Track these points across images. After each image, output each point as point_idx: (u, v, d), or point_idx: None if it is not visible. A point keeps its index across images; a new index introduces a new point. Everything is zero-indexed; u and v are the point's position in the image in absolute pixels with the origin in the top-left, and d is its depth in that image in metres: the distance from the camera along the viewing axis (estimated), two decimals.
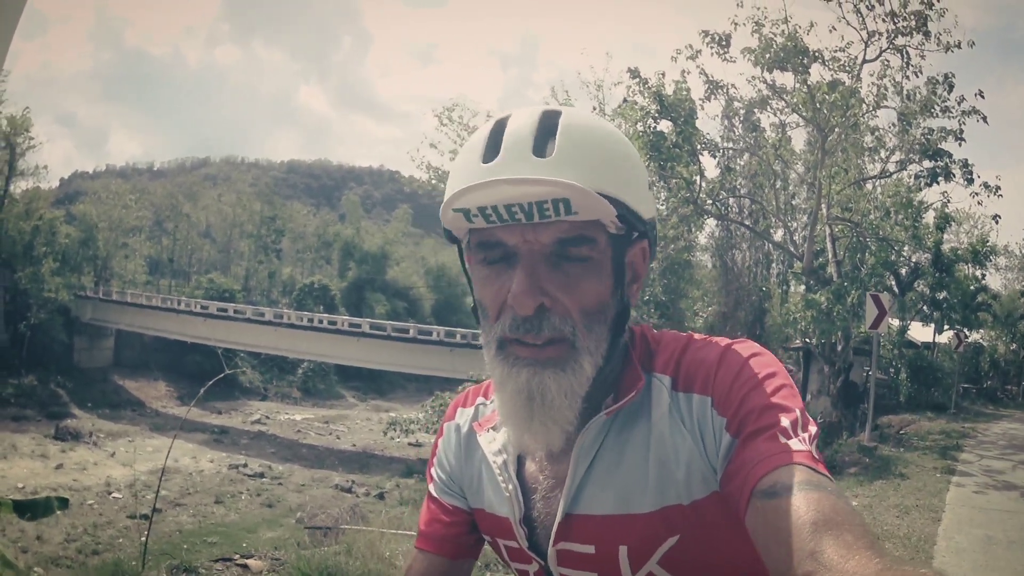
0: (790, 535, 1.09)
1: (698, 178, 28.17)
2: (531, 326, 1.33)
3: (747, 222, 32.44)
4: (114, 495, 31.39)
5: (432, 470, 1.79)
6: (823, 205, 24.41)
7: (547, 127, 1.33)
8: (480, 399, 1.72)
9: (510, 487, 1.55)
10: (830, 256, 25.14)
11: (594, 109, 35.21)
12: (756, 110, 27.90)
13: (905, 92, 23.13)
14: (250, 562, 13.94)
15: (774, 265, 39.00)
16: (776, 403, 1.30)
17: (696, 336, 1.50)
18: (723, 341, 1.46)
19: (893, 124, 24.29)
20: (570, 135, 1.32)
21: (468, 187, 1.27)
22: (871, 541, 1.04)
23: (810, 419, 1.30)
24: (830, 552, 1.02)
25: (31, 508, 5.27)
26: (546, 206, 1.26)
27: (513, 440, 1.47)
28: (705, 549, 1.40)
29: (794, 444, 1.23)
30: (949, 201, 26.41)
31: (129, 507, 28.22)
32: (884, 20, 22.96)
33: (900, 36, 22.80)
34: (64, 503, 5.63)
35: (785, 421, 1.26)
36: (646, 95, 28.02)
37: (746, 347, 1.43)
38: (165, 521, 27.52)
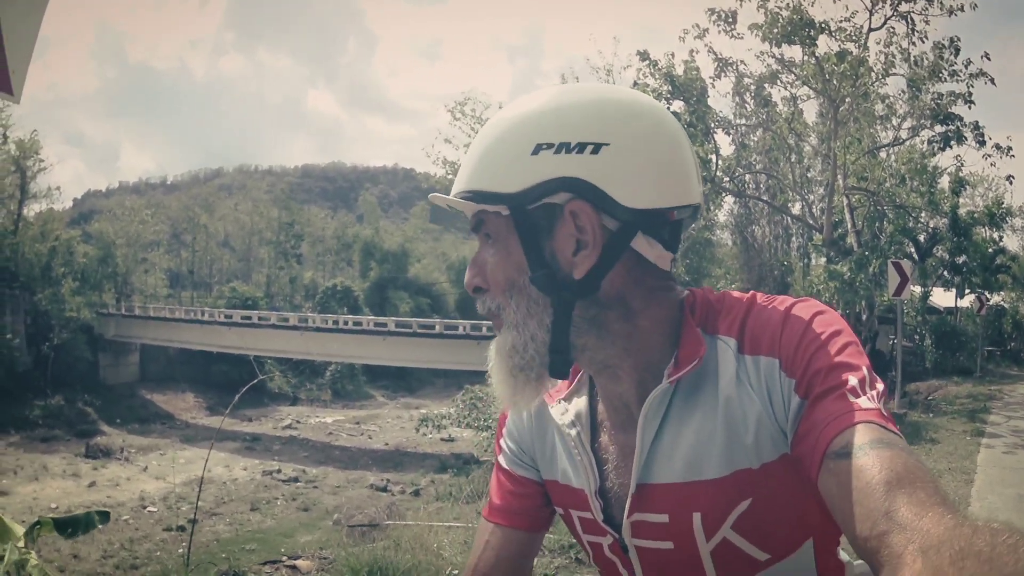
0: (863, 495, 1.09)
1: (714, 156, 28.13)
2: (479, 304, 1.46)
3: (765, 197, 32.42)
4: (149, 509, 31.34)
5: (501, 441, 1.80)
6: (839, 176, 24.33)
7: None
8: None
9: (584, 459, 1.55)
10: (849, 226, 25.06)
11: None
12: (766, 85, 27.84)
13: (912, 58, 23.01)
14: (299, 563, 14.05)
15: (794, 239, 38.96)
16: (843, 362, 1.29)
17: (759, 296, 1.49)
18: (787, 300, 1.45)
19: (903, 91, 24.22)
20: (474, 146, 1.44)
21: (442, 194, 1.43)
22: (943, 498, 1.04)
23: (877, 377, 1.29)
24: (904, 510, 1.02)
25: (72, 524, 5.07)
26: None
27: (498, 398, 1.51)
28: (776, 511, 1.40)
29: (863, 402, 1.22)
30: (963, 165, 26.32)
31: (165, 520, 28.29)
32: None
33: (904, 2, 22.74)
34: (105, 517, 5.58)
35: (853, 380, 1.25)
36: (656, 77, 28.00)
37: (809, 305, 1.42)
38: (202, 531, 27.58)
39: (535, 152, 1.38)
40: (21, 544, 4.75)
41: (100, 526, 5.44)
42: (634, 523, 1.49)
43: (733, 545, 1.42)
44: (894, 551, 0.98)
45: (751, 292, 1.51)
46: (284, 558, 16.43)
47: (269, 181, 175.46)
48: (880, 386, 1.27)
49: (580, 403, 1.57)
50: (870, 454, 1.12)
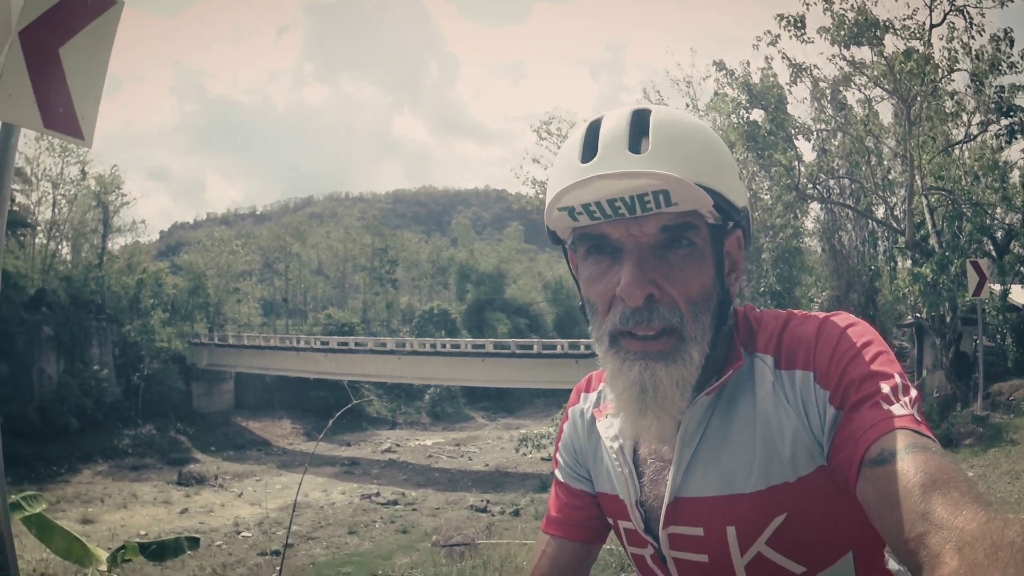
0: (901, 499, 1.12)
1: (797, 163, 27.86)
2: (641, 317, 1.39)
3: (849, 202, 31.94)
4: (243, 534, 31.74)
5: (558, 455, 1.87)
6: (916, 176, 23.91)
7: (640, 125, 1.41)
8: (603, 384, 1.76)
9: (625, 471, 1.61)
10: (930, 227, 24.57)
11: (687, 106, 35.03)
12: (841, 88, 27.53)
13: (974, 52, 22.60)
14: None
15: (880, 243, 38.20)
16: (876, 371, 1.34)
17: (796, 313, 1.56)
18: (820, 315, 1.51)
19: (967, 86, 23.77)
20: (663, 130, 1.40)
21: (571, 185, 1.34)
22: (977, 495, 1.08)
23: (910, 383, 1.33)
24: (939, 511, 1.05)
25: (160, 550, 5.30)
26: (647, 199, 1.33)
27: (627, 431, 1.52)
28: (813, 525, 1.44)
29: (896, 409, 1.26)
30: None
31: (259, 545, 28.65)
32: None
33: None
34: (195, 543, 5.62)
35: (886, 388, 1.30)
36: (734, 86, 27.93)
37: (842, 319, 1.48)
38: (298, 555, 27.97)
39: (740, 176, 1.51)
40: (104, 568, 4.91)
41: (189, 552, 5.58)
42: (671, 535, 1.55)
43: (768, 559, 1.47)
44: (932, 551, 1.02)
45: (789, 310, 1.59)
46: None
47: (361, 208, 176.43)
48: (914, 392, 1.32)
49: (622, 422, 1.57)
50: (905, 459, 1.17)
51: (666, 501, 1.53)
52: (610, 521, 1.73)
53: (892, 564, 1.60)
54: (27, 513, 4.80)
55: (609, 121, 1.43)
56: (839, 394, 1.35)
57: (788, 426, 1.41)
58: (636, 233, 1.38)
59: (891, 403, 1.27)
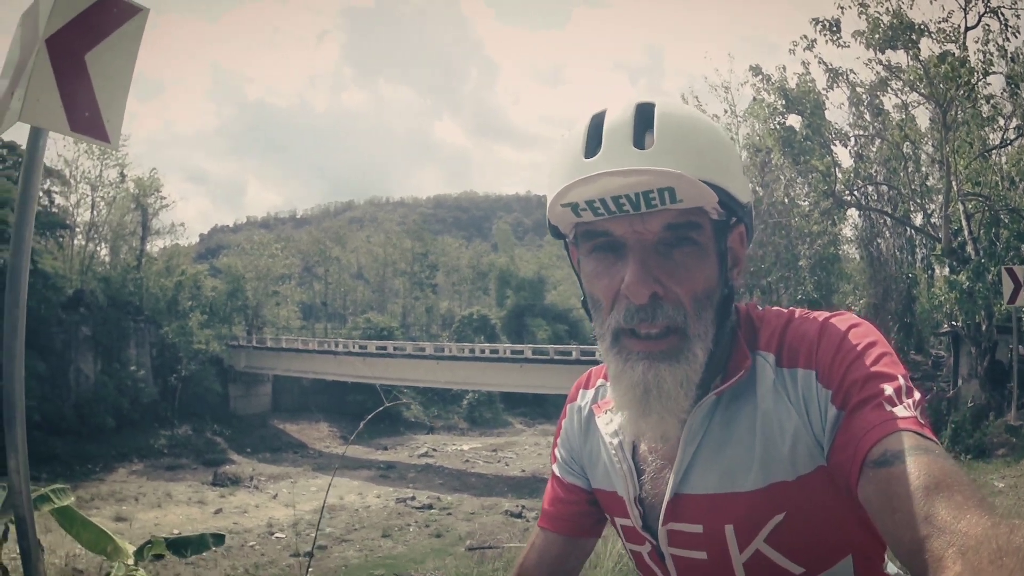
0: (903, 501, 1.11)
1: (834, 169, 27.74)
2: (646, 315, 1.37)
3: (887, 209, 31.71)
4: (277, 535, 31.82)
5: (556, 450, 1.86)
6: (953, 181, 23.71)
7: (644, 119, 1.38)
8: (601, 380, 1.78)
9: (624, 467, 1.60)
10: (966, 234, 24.36)
11: (725, 112, 35.01)
12: (877, 93, 27.34)
13: (1009, 55, 22.40)
14: None
15: (918, 250, 37.92)
16: (879, 372, 1.32)
17: (798, 311, 1.53)
18: (823, 314, 1.49)
19: (1004, 89, 23.56)
20: (667, 125, 1.37)
21: (575, 182, 1.31)
22: (980, 499, 1.07)
23: (913, 386, 1.31)
24: (942, 514, 1.05)
25: (185, 544, 5.44)
26: (652, 195, 1.30)
27: (630, 430, 1.51)
28: (812, 525, 1.43)
29: (899, 411, 1.25)
30: None
31: (292, 546, 28.74)
32: None
33: None
34: (220, 539, 5.76)
35: (889, 389, 1.28)
36: (771, 91, 27.87)
37: (845, 319, 1.46)
38: (331, 557, 28.11)
39: (744, 172, 1.48)
40: (131, 562, 4.95)
41: (214, 548, 5.70)
42: (670, 532, 1.54)
43: (767, 558, 1.46)
44: (935, 555, 1.01)
45: (791, 309, 1.56)
46: (395, 574, 16.73)
47: (401, 212, 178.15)
48: (917, 395, 1.30)
49: (625, 421, 1.56)
50: (908, 461, 1.16)
51: (667, 498, 1.52)
52: (608, 517, 1.73)
53: (891, 568, 1.58)
54: (56, 505, 4.90)
55: (613, 114, 1.39)
56: (841, 394, 1.33)
57: (788, 425, 1.40)
58: (640, 230, 1.36)
59: (894, 405, 1.26)
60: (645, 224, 1.35)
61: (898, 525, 1.10)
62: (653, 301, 1.36)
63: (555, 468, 1.84)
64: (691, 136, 1.37)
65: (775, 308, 1.56)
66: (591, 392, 1.78)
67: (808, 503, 1.40)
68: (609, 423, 1.64)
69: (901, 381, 1.29)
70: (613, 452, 1.62)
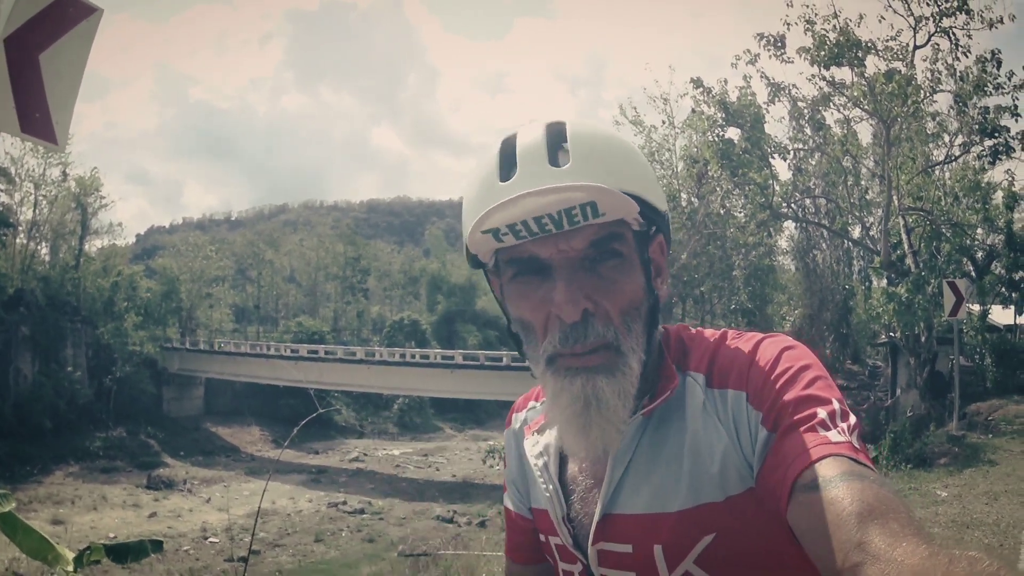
0: (835, 527, 1.08)
1: (772, 182, 28.05)
2: (579, 333, 1.35)
3: (824, 222, 32.19)
4: (211, 540, 31.58)
5: (505, 480, 1.84)
6: (894, 196, 24.12)
7: (556, 138, 1.36)
8: (532, 403, 1.75)
9: (550, 487, 1.58)
10: (906, 247, 24.77)
11: (663, 123, 35.44)
12: (820, 108, 27.73)
13: (958, 74, 22.83)
14: None
15: (855, 262, 38.59)
16: (812, 395, 1.30)
17: (731, 332, 1.52)
18: (756, 336, 1.47)
19: (951, 107, 24.02)
20: (580, 141, 1.35)
21: (495, 207, 1.28)
22: (917, 528, 1.04)
23: (849, 411, 1.30)
24: (877, 541, 1.02)
25: (124, 551, 5.25)
26: (574, 212, 1.28)
27: (571, 446, 1.45)
28: (742, 547, 1.38)
29: (833, 436, 1.22)
30: (1014, 179, 25.85)
31: (227, 551, 28.54)
32: (928, 3, 22.91)
33: (945, 17, 22.66)
34: (158, 546, 5.70)
35: (822, 413, 1.26)
36: (711, 104, 28.11)
37: (779, 340, 1.44)
38: (264, 562, 27.92)
39: (657, 182, 1.47)
40: (70, 568, 4.90)
41: (154, 554, 5.62)
42: (600, 552, 1.50)
43: None
44: None
45: (724, 330, 1.54)
46: None
47: (335, 216, 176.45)
48: (853, 419, 1.27)
49: (550, 435, 1.59)
50: (840, 486, 1.13)
51: (596, 518, 1.49)
52: (542, 538, 1.68)
53: None
54: None
55: (524, 137, 1.39)
56: (772, 416, 1.31)
57: (718, 445, 1.38)
58: (565, 248, 1.34)
59: (828, 429, 1.24)
60: (569, 242, 1.33)
61: (830, 551, 1.07)
62: (585, 318, 1.34)
63: (506, 499, 1.84)
64: (605, 150, 1.38)
65: (708, 329, 1.56)
66: (523, 414, 1.79)
67: (738, 525, 1.37)
68: (535, 444, 1.65)
69: (836, 405, 1.28)
70: (539, 473, 1.62)
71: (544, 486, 1.60)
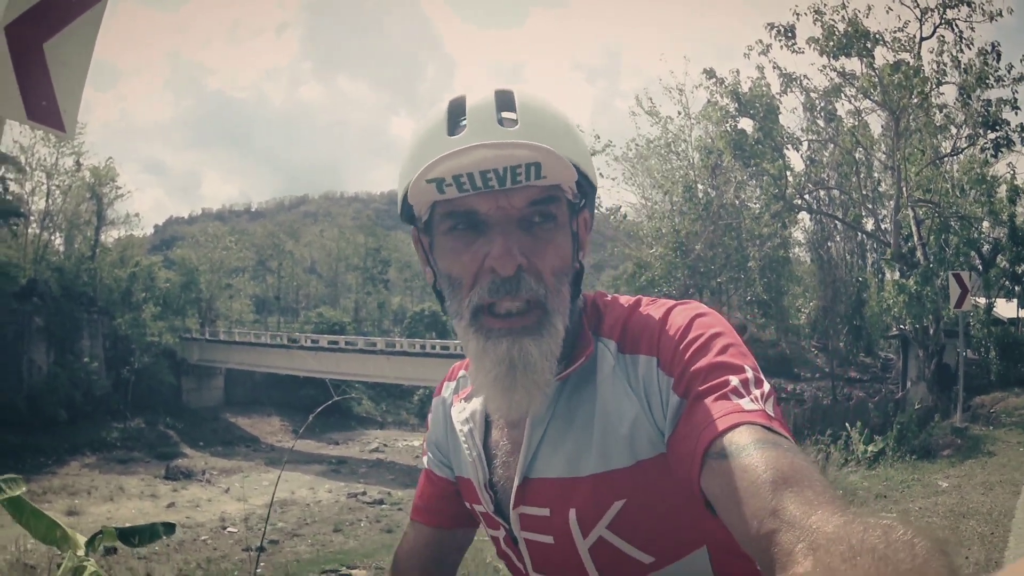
0: (749, 494, 1.08)
1: (786, 173, 27.94)
2: (511, 287, 1.35)
3: (837, 213, 32.08)
4: (229, 530, 31.50)
5: (424, 444, 1.87)
6: (904, 188, 24.00)
7: (504, 102, 1.39)
8: (462, 372, 1.77)
9: (474, 453, 1.60)
10: (916, 239, 24.65)
11: (679, 113, 35.21)
12: (831, 99, 27.64)
13: (962, 65, 22.72)
14: (354, 572, 14.46)
15: (868, 254, 38.41)
16: (724, 362, 1.31)
17: (644, 299, 1.53)
18: (669, 303, 1.49)
19: (957, 99, 23.85)
20: (528, 108, 1.39)
21: (447, 155, 1.29)
22: (832, 496, 1.04)
23: (763, 379, 1.30)
24: (792, 508, 1.01)
25: (136, 535, 5.42)
26: (519, 170, 1.30)
27: (495, 408, 1.46)
28: (655, 513, 1.41)
29: (746, 403, 1.23)
30: (1015, 172, 25.80)
31: (244, 541, 28.49)
32: None
33: (948, 9, 22.59)
34: (171, 528, 5.76)
35: (734, 380, 1.27)
36: (724, 95, 28.02)
37: (691, 307, 1.45)
38: (282, 551, 27.83)
39: (592, 152, 1.55)
40: (82, 552, 4.98)
41: (165, 537, 5.69)
42: (521, 515, 1.54)
43: (611, 544, 1.45)
44: (783, 549, 0.97)
45: (639, 297, 1.56)
46: (342, 568, 16.75)
47: (355, 208, 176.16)
48: (767, 387, 1.29)
49: (477, 402, 1.61)
50: (754, 454, 1.13)
51: (516, 482, 1.52)
52: (467, 505, 1.73)
53: None
54: (7, 496, 4.88)
55: (474, 98, 1.42)
56: (684, 383, 1.32)
57: (629, 411, 1.40)
58: (504, 205, 1.35)
59: (740, 396, 1.25)
60: (509, 199, 1.35)
61: (744, 518, 1.07)
62: (518, 274, 1.35)
63: (424, 461, 1.86)
64: (551, 118, 1.41)
65: (623, 296, 1.57)
66: (453, 384, 1.80)
67: (648, 491, 1.40)
68: (462, 411, 1.66)
69: (749, 373, 1.29)
70: (463, 439, 1.63)
71: (468, 452, 1.62)
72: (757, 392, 1.26)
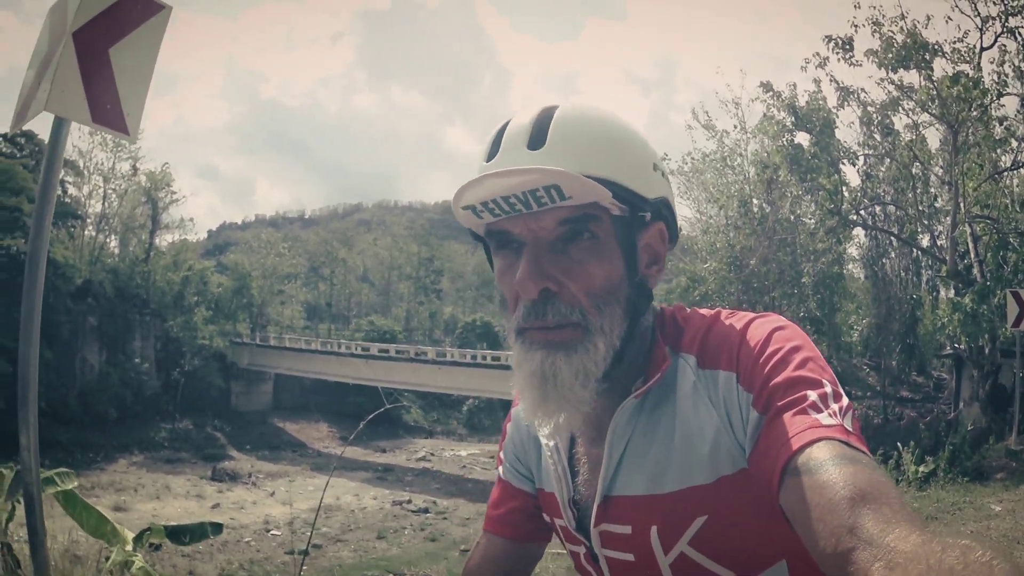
0: (826, 511, 1.07)
1: (842, 188, 27.67)
2: (538, 312, 1.37)
3: (893, 229, 31.70)
4: (272, 532, 31.89)
5: (502, 453, 1.86)
6: (961, 203, 23.64)
7: (543, 121, 1.39)
8: None
9: (559, 468, 1.61)
10: (973, 256, 24.26)
11: (735, 127, 35.01)
12: (888, 113, 27.32)
13: None
14: None
15: (923, 271, 37.94)
16: (803, 376, 1.29)
17: (724, 312, 1.52)
18: (748, 315, 1.48)
19: (1019, 111, 23.45)
20: (562, 126, 1.38)
21: (465, 185, 1.33)
22: (910, 514, 1.03)
23: (842, 392, 1.29)
24: (869, 526, 1.00)
25: (184, 532, 5.64)
26: (539, 194, 1.30)
27: (527, 418, 1.49)
28: (737, 529, 1.40)
29: (824, 418, 1.21)
30: None
31: (288, 544, 28.75)
32: (995, 3, 22.33)
33: (1011, 17, 22.11)
34: (218, 528, 5.88)
35: (813, 395, 1.26)
36: (780, 108, 27.85)
37: (770, 320, 1.44)
38: (325, 556, 28.10)
39: (654, 168, 1.48)
40: (129, 547, 5.01)
41: (212, 536, 5.87)
42: (601, 533, 1.53)
43: (692, 560, 1.43)
44: (860, 567, 0.97)
45: (718, 309, 1.54)
46: (385, 574, 16.73)
47: (409, 217, 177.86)
48: (845, 401, 1.27)
49: (562, 415, 1.52)
50: (832, 470, 1.11)
51: (597, 500, 1.51)
52: (547, 519, 1.71)
53: None
54: (59, 489, 5.08)
55: (517, 119, 1.42)
56: (763, 398, 1.30)
57: (709, 427, 1.38)
58: (535, 227, 1.36)
59: (819, 411, 1.22)
60: (538, 222, 1.36)
61: (821, 535, 1.06)
62: (544, 297, 1.36)
63: (500, 471, 1.85)
64: (584, 134, 1.39)
65: (703, 309, 1.55)
66: None
67: (731, 506, 1.38)
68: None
69: (827, 387, 1.27)
70: (549, 454, 1.62)
71: (554, 468, 1.61)
72: (836, 406, 1.25)
